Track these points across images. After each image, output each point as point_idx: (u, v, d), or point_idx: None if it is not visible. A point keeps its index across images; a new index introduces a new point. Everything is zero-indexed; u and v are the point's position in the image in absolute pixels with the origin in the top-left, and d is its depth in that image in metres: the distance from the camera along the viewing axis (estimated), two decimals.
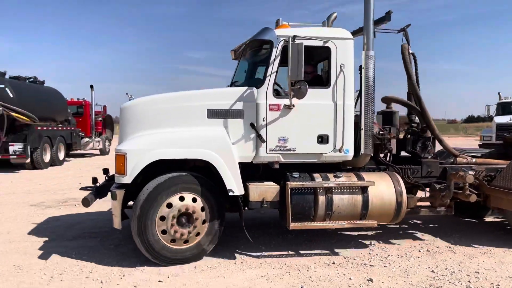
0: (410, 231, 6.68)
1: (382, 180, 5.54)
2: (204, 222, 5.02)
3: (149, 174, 4.99)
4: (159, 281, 4.51)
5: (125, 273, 4.70)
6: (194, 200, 4.97)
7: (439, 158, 6.90)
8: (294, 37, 4.88)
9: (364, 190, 5.36)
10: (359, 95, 5.73)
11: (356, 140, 5.61)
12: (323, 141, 5.37)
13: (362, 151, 5.60)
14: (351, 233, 6.46)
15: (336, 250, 5.64)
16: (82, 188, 5.77)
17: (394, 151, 6.23)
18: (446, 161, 6.67)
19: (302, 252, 5.57)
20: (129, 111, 5.28)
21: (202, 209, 5.00)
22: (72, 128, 18.31)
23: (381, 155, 6.15)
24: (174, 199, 4.88)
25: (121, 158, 4.84)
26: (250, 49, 5.84)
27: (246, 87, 5.28)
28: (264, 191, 5.22)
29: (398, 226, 6.89)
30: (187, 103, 5.24)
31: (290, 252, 5.54)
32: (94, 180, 5.59)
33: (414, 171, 6.12)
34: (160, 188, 4.84)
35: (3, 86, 13.98)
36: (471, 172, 5.82)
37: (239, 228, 6.62)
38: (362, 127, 5.59)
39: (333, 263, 5.18)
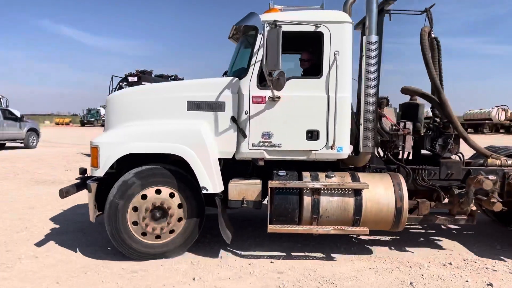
0: None
1: (381, 183, 4.89)
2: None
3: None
4: (271, 262, 4.88)
5: (242, 252, 5.15)
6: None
7: (474, 159, 6.00)
8: (274, 22, 4.42)
9: (357, 192, 4.77)
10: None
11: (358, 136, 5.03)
12: (313, 137, 4.86)
13: (361, 148, 5.00)
14: (476, 234, 6.09)
15: (456, 251, 5.35)
16: (78, 179, 5.83)
17: (408, 149, 5.49)
18: (474, 162, 5.76)
19: (415, 250, 5.38)
20: (112, 103, 5.20)
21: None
22: None
23: (399, 154, 5.48)
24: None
25: (94, 151, 4.78)
26: (241, 36, 5.45)
27: (228, 78, 4.93)
28: (245, 189, 4.88)
29: None
30: (167, 94, 5.02)
31: (403, 249, 5.40)
32: (82, 171, 5.61)
33: (430, 172, 5.36)
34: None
35: (148, 83, 15.42)
36: (491, 177, 4.92)
37: None
38: (361, 122, 4.98)
39: (450, 263, 4.91)
